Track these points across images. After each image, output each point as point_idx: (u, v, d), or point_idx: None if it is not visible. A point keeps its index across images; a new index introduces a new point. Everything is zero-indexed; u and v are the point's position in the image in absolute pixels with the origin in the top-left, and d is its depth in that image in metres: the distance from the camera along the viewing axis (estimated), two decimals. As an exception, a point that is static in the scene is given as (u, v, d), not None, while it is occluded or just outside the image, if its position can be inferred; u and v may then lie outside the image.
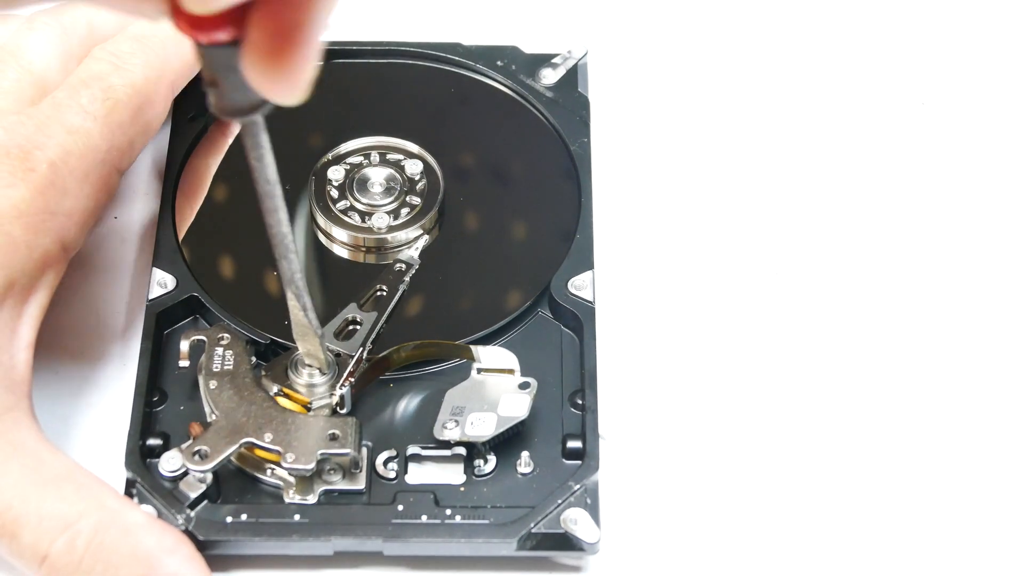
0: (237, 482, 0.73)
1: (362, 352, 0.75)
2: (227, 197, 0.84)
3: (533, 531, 0.72)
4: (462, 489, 0.74)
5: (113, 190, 0.77)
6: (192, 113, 0.85)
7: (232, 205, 0.83)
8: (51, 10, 0.78)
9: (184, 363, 0.76)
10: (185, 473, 0.72)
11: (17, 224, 0.72)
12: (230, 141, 0.85)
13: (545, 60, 0.87)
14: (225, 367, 0.74)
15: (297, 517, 0.72)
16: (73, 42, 0.78)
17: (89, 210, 0.75)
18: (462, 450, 0.74)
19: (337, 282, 0.81)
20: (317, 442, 0.71)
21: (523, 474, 0.74)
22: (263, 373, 0.75)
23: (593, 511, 0.72)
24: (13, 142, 0.73)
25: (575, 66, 0.87)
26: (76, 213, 0.74)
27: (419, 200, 0.82)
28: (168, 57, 0.79)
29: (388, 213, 0.82)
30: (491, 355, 0.76)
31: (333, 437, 0.72)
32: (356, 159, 0.83)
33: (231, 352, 0.75)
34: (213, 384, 0.74)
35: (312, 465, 0.71)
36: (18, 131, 0.74)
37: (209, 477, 0.72)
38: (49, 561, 0.68)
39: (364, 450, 0.74)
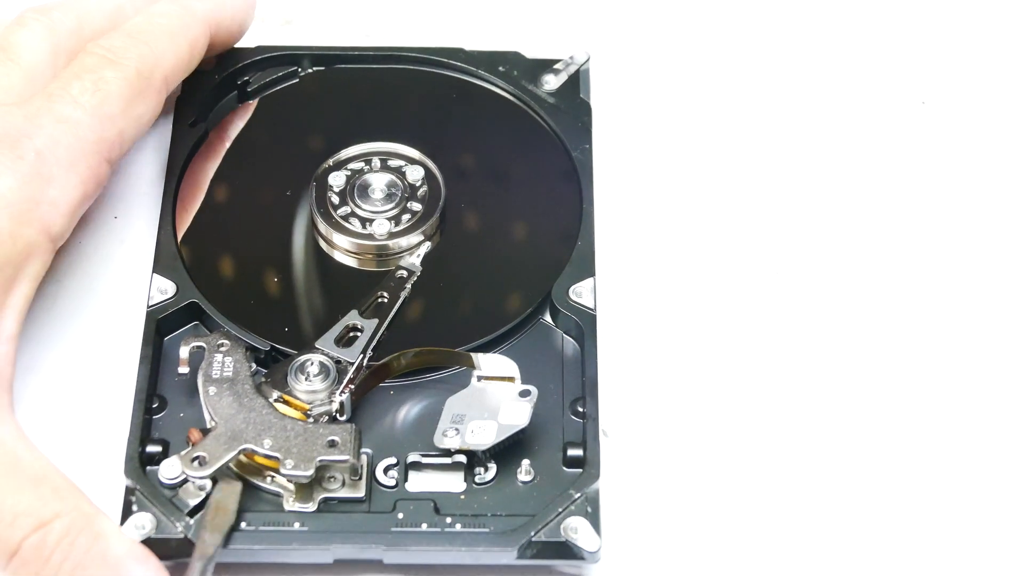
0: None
1: (362, 359, 0.75)
2: (227, 203, 0.83)
3: (533, 539, 0.71)
4: (462, 497, 0.73)
5: (103, 180, 0.77)
6: (192, 118, 0.85)
7: (232, 211, 0.83)
8: (40, 7, 0.79)
9: (183, 370, 0.75)
10: (185, 480, 0.72)
11: (2, 214, 0.72)
12: (227, 145, 0.85)
13: (547, 66, 0.87)
14: (225, 373, 0.74)
15: (297, 525, 0.72)
16: (62, 38, 0.78)
17: (76, 200, 0.75)
18: (462, 458, 0.74)
19: (338, 288, 0.80)
20: (316, 449, 0.71)
21: (524, 482, 0.74)
22: (263, 379, 0.74)
23: (594, 519, 0.72)
24: (2, 131, 0.73)
25: (577, 72, 0.87)
26: (62, 203, 0.74)
27: (420, 206, 0.82)
28: (163, 52, 0.79)
29: (389, 219, 0.81)
30: (491, 363, 0.76)
31: (332, 444, 0.72)
32: (357, 165, 0.83)
33: (230, 359, 0.75)
34: (212, 390, 0.73)
35: (311, 472, 0.71)
36: (7, 120, 0.74)
37: (208, 484, 0.72)
38: (19, 556, 0.68)
39: (364, 457, 0.74)
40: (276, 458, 0.71)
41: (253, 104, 0.87)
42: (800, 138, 0.88)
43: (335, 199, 0.82)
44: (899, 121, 0.89)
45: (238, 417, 0.72)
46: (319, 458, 0.71)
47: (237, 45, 0.87)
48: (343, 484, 0.73)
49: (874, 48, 0.92)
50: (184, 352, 0.76)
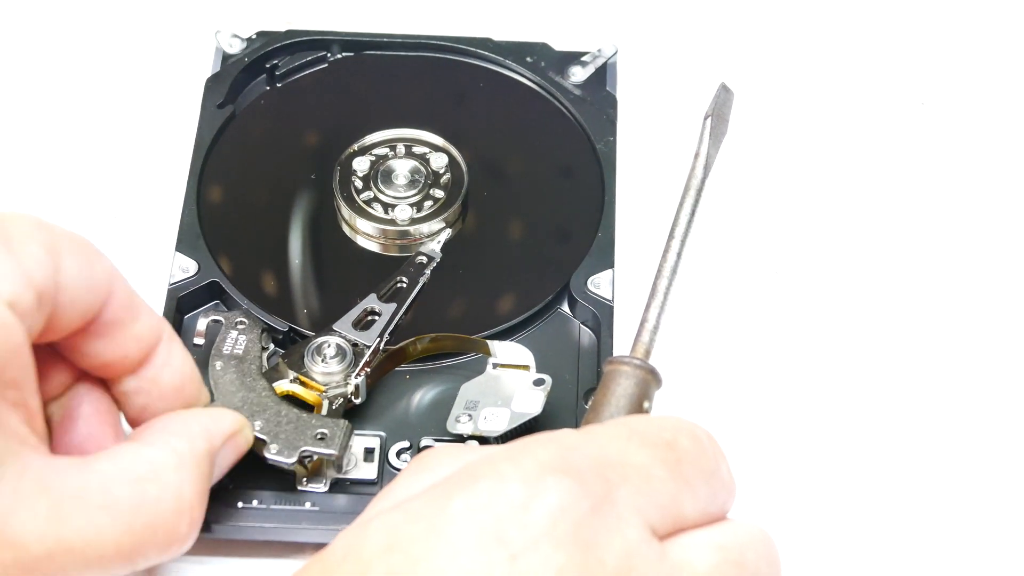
0: (250, 468, 0.73)
1: (379, 343, 0.76)
2: (251, 185, 0.84)
3: (542, 527, 0.71)
4: (473, 482, 0.74)
5: None
6: (221, 100, 0.85)
7: (256, 193, 0.84)
8: None
9: (199, 341, 0.76)
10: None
11: None
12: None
13: (575, 58, 0.87)
14: (235, 351, 0.74)
15: (308, 505, 0.72)
16: None
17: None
18: (475, 444, 0.74)
19: (358, 272, 0.81)
20: (304, 439, 0.71)
21: (535, 470, 0.74)
22: (281, 360, 0.75)
23: (604, 509, 0.72)
24: None
25: (604, 65, 0.87)
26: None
27: (443, 193, 0.82)
28: None
29: (411, 205, 0.82)
30: (507, 350, 0.76)
31: (321, 437, 0.72)
32: (382, 150, 0.84)
33: (245, 337, 0.75)
34: (219, 365, 0.74)
35: (293, 460, 0.71)
36: None
37: None
38: None
39: (377, 440, 0.74)
40: (263, 440, 0.71)
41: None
42: (799, 137, 0.88)
43: (358, 184, 0.82)
44: (898, 121, 0.89)
45: (236, 395, 0.73)
46: (303, 448, 0.71)
47: (267, 28, 0.88)
48: (356, 465, 0.73)
49: (874, 48, 0.92)
50: (202, 324, 0.76)
